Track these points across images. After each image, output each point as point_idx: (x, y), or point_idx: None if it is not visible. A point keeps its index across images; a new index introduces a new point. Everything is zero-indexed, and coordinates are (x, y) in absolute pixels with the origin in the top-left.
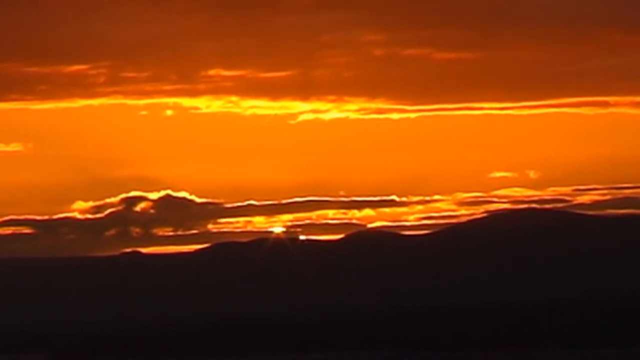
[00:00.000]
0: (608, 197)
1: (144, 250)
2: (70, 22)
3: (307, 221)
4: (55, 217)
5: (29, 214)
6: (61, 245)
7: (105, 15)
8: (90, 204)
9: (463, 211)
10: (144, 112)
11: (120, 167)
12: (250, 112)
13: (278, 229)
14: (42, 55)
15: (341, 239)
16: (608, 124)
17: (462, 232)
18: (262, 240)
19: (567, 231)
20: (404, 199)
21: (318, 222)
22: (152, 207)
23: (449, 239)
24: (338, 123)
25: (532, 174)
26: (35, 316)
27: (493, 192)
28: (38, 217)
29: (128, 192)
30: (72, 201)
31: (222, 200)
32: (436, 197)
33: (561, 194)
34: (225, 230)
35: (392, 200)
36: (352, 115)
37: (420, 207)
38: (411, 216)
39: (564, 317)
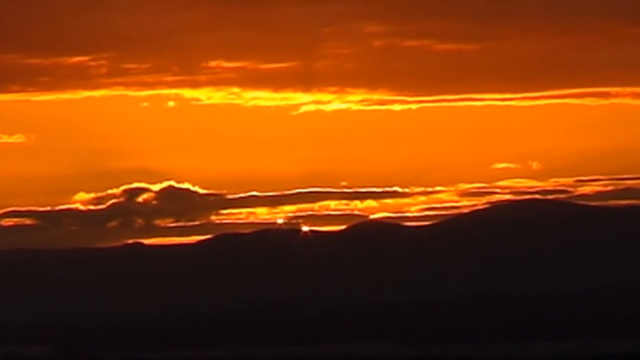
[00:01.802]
0: (610, 187)
1: (146, 241)
2: (71, 14)
3: (310, 212)
4: (57, 208)
5: (31, 205)
6: (63, 236)
7: (106, 6)
8: (93, 195)
9: (465, 202)
10: (145, 104)
11: (123, 159)
12: (252, 103)
13: (281, 220)
14: (43, 47)
15: (344, 229)
16: (610, 114)
17: (465, 223)
18: (265, 231)
19: (569, 222)
20: (406, 189)
21: (320, 213)
22: (154, 198)
23: (452, 230)
24: (340, 114)
25: (535, 165)
26: (37, 308)
27: (495, 183)
28: (40, 209)
29: (130, 183)
30: (75, 192)
31: (224, 192)
32: (438, 188)
33: (563, 185)
34: (228, 221)
35: (395, 191)
36: (354, 107)
37: (422, 198)
38: (413, 207)
39: (566, 307)
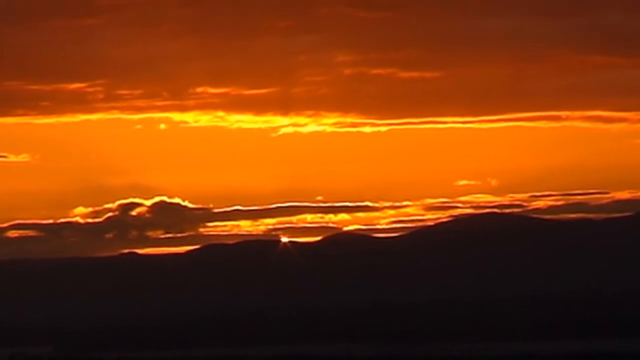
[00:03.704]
0: (561, 202)
1: (140, 251)
2: (70, 44)
3: (288, 225)
4: (58, 221)
5: (35, 218)
6: (64, 246)
7: (102, 37)
8: (91, 209)
9: (430, 215)
10: (138, 126)
11: (118, 176)
12: (235, 125)
13: (262, 232)
14: (44, 74)
15: (319, 240)
16: (560, 136)
17: (430, 235)
18: (248, 242)
19: (524, 234)
20: (376, 204)
21: (298, 226)
22: (147, 212)
23: (418, 241)
24: (315, 136)
25: (493, 182)
26: (41, 312)
27: (457, 198)
28: (43, 221)
29: (125, 198)
30: (74, 207)
31: (211, 206)
32: (406, 202)
33: (519, 200)
34: (214, 233)
35: (366, 206)
36: (328, 129)
37: (391, 211)
38: (383, 220)
39: (523, 312)
